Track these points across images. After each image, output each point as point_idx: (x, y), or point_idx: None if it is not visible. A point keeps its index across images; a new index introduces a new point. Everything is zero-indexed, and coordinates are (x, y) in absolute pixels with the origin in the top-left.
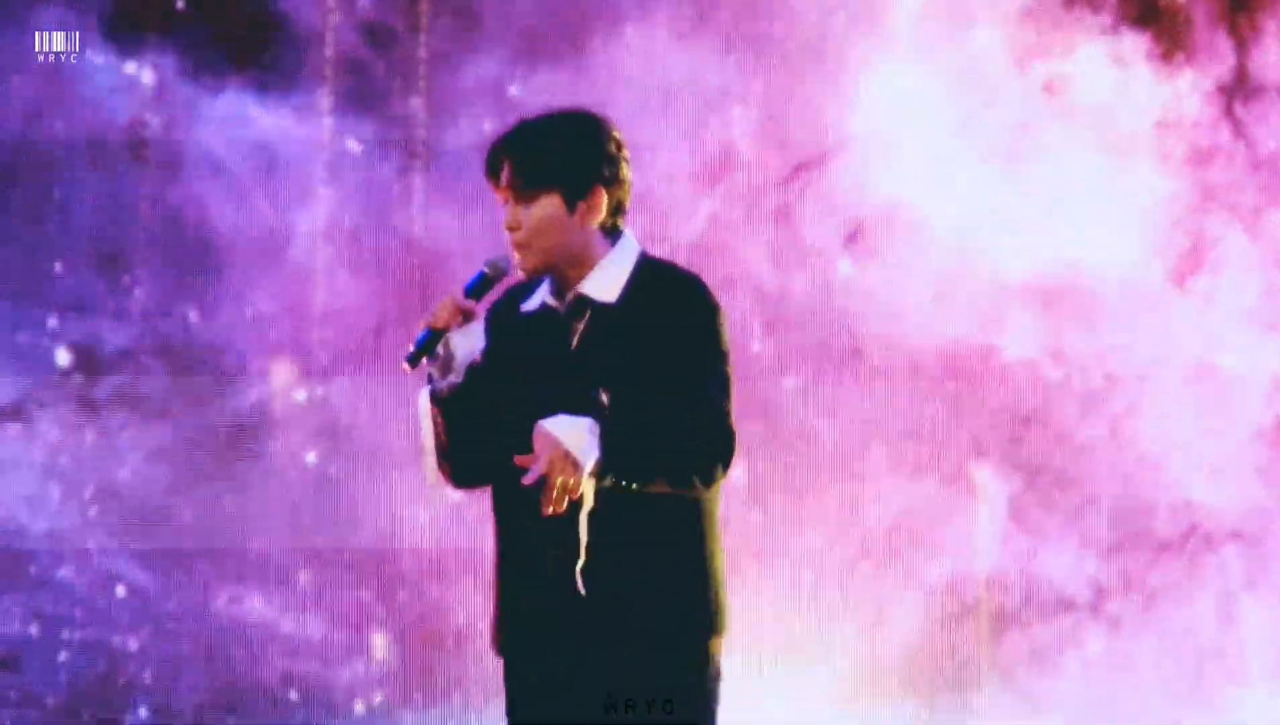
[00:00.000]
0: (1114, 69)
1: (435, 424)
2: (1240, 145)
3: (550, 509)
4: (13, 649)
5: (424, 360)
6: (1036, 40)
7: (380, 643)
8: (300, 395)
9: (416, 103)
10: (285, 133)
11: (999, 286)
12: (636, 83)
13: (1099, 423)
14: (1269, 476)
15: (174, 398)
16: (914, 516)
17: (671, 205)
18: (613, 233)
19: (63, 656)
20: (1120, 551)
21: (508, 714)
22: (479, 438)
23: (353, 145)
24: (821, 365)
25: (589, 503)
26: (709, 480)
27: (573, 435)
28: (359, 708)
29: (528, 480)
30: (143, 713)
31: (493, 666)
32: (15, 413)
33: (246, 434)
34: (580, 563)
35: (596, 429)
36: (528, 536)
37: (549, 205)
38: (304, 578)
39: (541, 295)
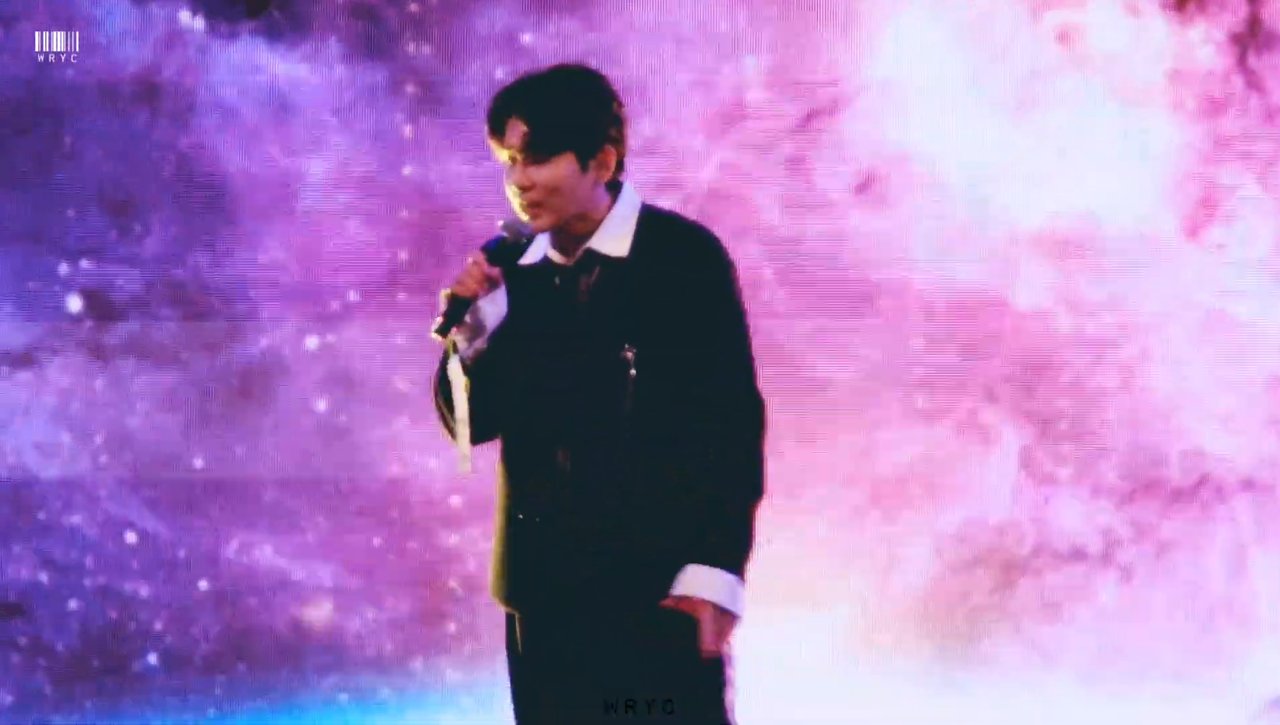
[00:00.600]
0: (1127, 18)
1: (467, 394)
2: (1253, 95)
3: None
4: (23, 596)
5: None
6: None
7: (390, 590)
8: (311, 342)
9: (428, 50)
10: (297, 79)
11: (1011, 235)
12: (648, 30)
13: (1111, 372)
14: None
15: (185, 344)
16: (926, 465)
17: (684, 153)
18: (613, 186)
19: (73, 604)
20: (1132, 501)
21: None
22: (493, 396)
23: (364, 92)
24: (833, 313)
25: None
26: (762, 460)
27: (714, 590)
28: (369, 655)
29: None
30: (152, 659)
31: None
32: (26, 359)
33: (257, 381)
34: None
35: (716, 565)
36: (543, 497)
37: (563, 165)
38: (314, 525)
39: (542, 250)
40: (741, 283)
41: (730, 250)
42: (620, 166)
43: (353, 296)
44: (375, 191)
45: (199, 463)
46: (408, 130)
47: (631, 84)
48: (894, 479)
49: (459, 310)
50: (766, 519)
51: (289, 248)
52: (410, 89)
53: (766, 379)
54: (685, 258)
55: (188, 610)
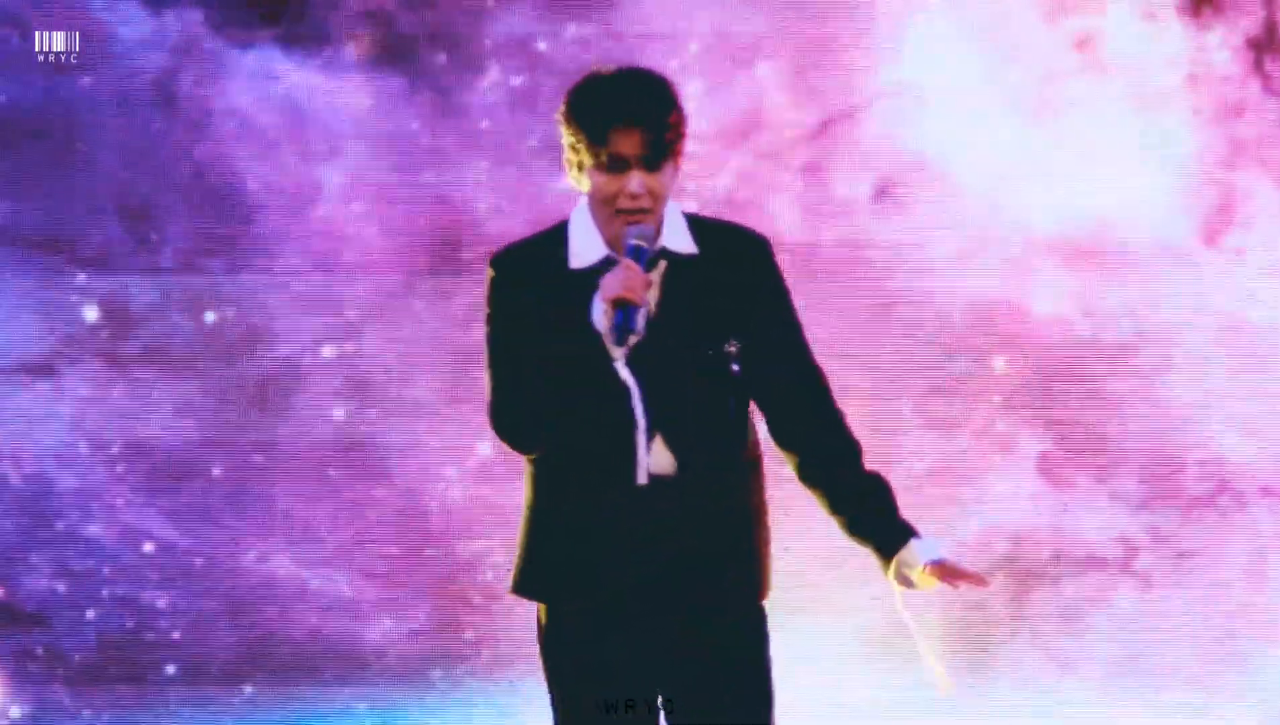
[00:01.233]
0: (1144, 23)
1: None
2: (1271, 100)
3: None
4: (41, 605)
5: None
6: None
7: (409, 599)
8: (328, 351)
9: (444, 57)
10: (313, 87)
11: (1029, 241)
12: (665, 36)
13: (1129, 378)
14: None
15: (202, 353)
16: (943, 473)
17: (701, 160)
18: None
19: (90, 613)
20: (1150, 508)
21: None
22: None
23: (380, 100)
24: (850, 321)
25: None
26: None
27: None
28: (388, 664)
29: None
30: (170, 669)
31: (523, 620)
32: (44, 368)
33: (275, 389)
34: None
35: (909, 531)
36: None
37: (669, 172)
38: (332, 534)
39: (597, 251)
40: None
41: None
42: None
43: (370, 305)
44: (392, 199)
45: (217, 472)
46: (423, 138)
47: None
48: (911, 487)
49: (634, 316)
50: (785, 528)
51: (306, 256)
52: (426, 96)
53: None
54: (753, 251)
55: (206, 620)
